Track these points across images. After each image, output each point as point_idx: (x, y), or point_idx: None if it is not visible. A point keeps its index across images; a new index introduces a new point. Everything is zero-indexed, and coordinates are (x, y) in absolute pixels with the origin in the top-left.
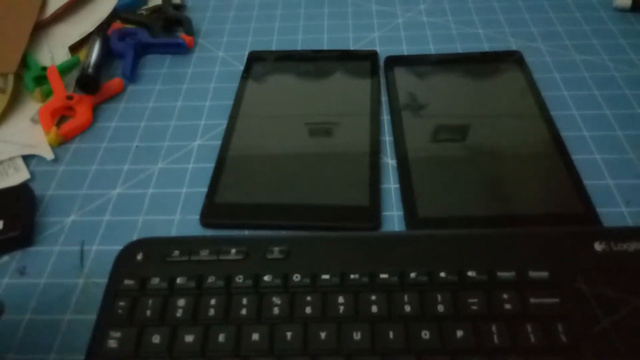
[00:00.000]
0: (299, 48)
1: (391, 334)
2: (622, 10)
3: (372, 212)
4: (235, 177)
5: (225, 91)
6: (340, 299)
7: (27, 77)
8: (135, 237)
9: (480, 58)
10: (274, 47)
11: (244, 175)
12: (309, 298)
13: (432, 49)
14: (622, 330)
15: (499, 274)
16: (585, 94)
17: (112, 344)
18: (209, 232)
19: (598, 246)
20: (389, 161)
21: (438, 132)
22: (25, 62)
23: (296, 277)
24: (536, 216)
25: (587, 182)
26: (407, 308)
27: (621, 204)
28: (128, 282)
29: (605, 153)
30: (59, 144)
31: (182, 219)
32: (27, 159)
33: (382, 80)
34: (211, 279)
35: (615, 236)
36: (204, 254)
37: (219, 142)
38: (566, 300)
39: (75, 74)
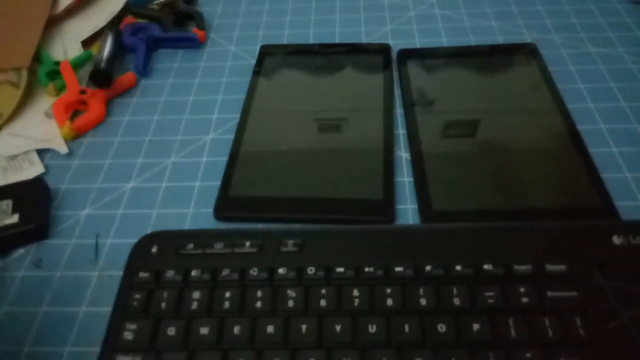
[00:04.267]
0: (310, 42)
1: (407, 328)
2: (638, 2)
3: (387, 205)
4: (249, 170)
5: (237, 85)
6: (355, 292)
7: (41, 72)
8: (149, 231)
9: (493, 51)
10: (285, 41)
11: (257, 169)
12: (323, 291)
13: (444, 41)
14: None
15: (516, 267)
16: (602, 87)
17: (128, 335)
18: (223, 225)
19: (616, 240)
20: (403, 154)
21: (452, 125)
22: (38, 57)
23: (310, 270)
24: (553, 210)
25: (605, 176)
26: (423, 301)
27: (639, 197)
28: (143, 274)
29: (623, 146)
30: (72, 138)
31: (195, 212)
32: (41, 153)
33: (395, 74)
34: (226, 272)
35: (633, 230)
36: (218, 246)
37: (231, 136)
38: (584, 294)
39: (88, 69)
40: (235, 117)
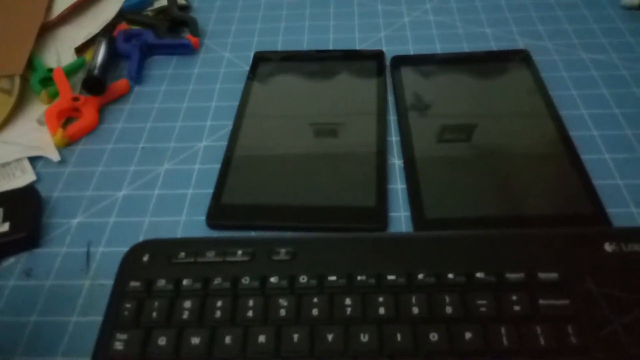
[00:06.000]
0: (304, 48)
1: (399, 336)
2: (630, 8)
3: (379, 213)
4: (242, 178)
5: (231, 92)
6: (347, 301)
7: (34, 79)
8: (141, 239)
9: (487, 57)
10: (279, 48)
11: (250, 176)
12: (315, 300)
13: (438, 48)
14: (633, 332)
15: (508, 275)
16: (594, 93)
17: (119, 345)
18: (215, 233)
19: (608, 247)
20: (396, 161)
21: (445, 132)
22: (31, 64)
23: (303, 279)
24: (545, 217)
25: (597, 182)
26: (415, 309)
27: (631, 204)
28: (134, 283)
29: (615, 152)
30: (65, 146)
31: (188, 220)
32: (33, 160)
33: (389, 80)
34: (217, 281)
35: (625, 237)
36: (210, 255)
37: (225, 143)
38: (576, 301)
39: (81, 76)
40: (229, 124)
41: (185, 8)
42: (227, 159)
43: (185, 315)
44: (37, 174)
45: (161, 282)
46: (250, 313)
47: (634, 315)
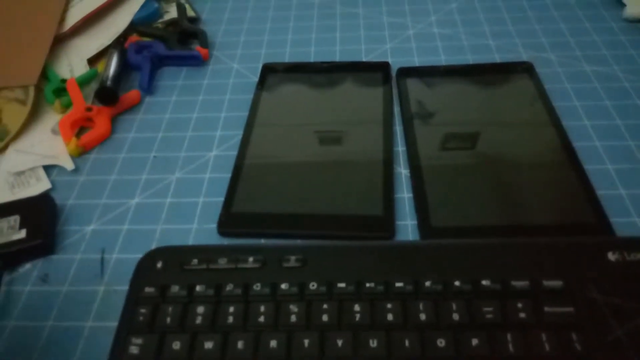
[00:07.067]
0: (311, 60)
1: (407, 342)
2: (632, 20)
3: (386, 221)
4: (252, 186)
5: (240, 102)
6: (356, 307)
7: (47, 89)
8: (153, 246)
9: (491, 68)
10: (287, 59)
11: (260, 185)
12: (325, 306)
13: (443, 60)
14: (636, 340)
15: (513, 283)
16: (597, 105)
17: (134, 350)
18: (226, 241)
19: (611, 256)
20: (402, 171)
21: (451, 142)
22: (45, 75)
23: (312, 285)
24: (549, 226)
25: (600, 192)
26: (422, 316)
27: (634, 214)
28: (148, 289)
29: (618, 163)
30: (78, 155)
31: (199, 228)
32: (48, 169)
33: (395, 91)
34: (229, 287)
35: (628, 246)
36: (222, 262)
37: (234, 153)
38: (580, 309)
39: (94, 86)
40: (238, 134)
41: (195, 20)
42: (237, 168)
43: (199, 320)
44: (52, 182)
45: (175, 288)
46: (261, 319)
47: (636, 323)
